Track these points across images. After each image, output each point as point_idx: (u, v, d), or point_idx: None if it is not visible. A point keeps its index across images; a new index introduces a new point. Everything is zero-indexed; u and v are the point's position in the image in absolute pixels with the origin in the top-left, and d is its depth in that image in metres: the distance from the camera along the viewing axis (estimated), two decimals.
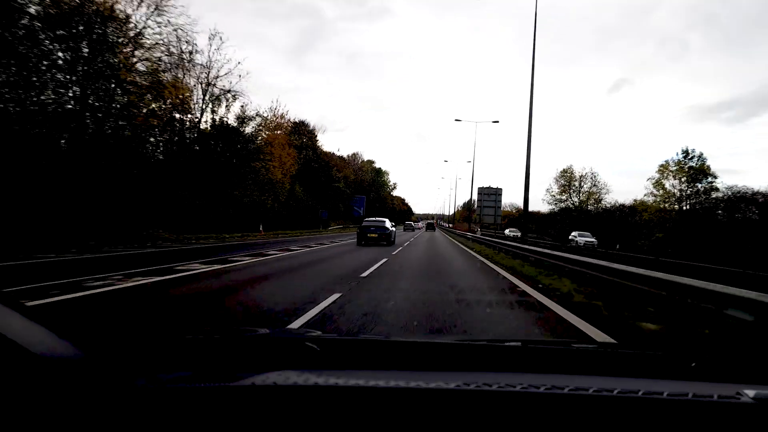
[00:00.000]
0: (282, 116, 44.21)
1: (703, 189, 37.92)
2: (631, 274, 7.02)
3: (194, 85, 30.34)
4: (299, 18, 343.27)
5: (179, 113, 28.76)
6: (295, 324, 4.93)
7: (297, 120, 56.85)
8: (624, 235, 36.78)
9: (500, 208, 34.49)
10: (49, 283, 6.88)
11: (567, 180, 58.75)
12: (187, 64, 28.11)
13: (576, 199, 57.70)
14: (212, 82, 30.91)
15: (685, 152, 39.72)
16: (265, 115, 40.16)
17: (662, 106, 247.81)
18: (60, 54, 18.69)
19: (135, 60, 22.20)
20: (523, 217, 24.30)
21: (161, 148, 28.36)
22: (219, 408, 0.91)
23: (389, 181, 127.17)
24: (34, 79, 17.66)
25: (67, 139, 19.62)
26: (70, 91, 19.34)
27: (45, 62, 18.06)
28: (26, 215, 15.69)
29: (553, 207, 58.94)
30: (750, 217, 26.46)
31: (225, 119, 32.41)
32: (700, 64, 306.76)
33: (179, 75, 27.84)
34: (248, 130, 34.17)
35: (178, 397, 0.94)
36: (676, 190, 39.98)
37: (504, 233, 50.14)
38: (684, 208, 38.79)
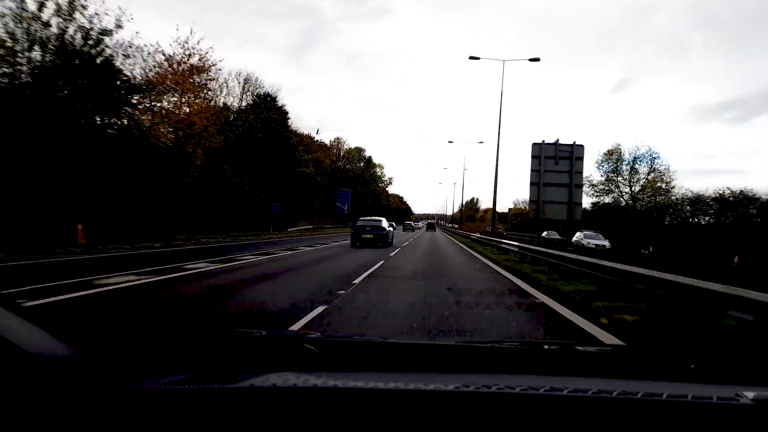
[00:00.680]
0: (200, 57, 26.63)
1: None
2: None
3: None
4: (299, 18, 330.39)
5: None
6: None
7: (261, 93, 42.84)
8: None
9: (580, 189, 17.75)
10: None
11: (614, 165, 43.62)
12: None
13: (627, 190, 42.68)
14: None
15: None
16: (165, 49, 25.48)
17: (664, 105, 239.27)
18: None
19: None
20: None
21: None
22: (217, 410, 0.90)
23: (384, 176, 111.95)
24: None
25: None
26: None
27: None
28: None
29: (598, 201, 44.07)
30: None
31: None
32: (702, 63, 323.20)
33: None
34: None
35: (174, 398, 0.94)
36: None
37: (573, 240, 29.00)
38: None
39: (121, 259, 11.81)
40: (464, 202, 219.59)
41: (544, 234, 34.55)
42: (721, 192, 27.23)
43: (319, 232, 43.51)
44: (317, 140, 67.73)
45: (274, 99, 43.14)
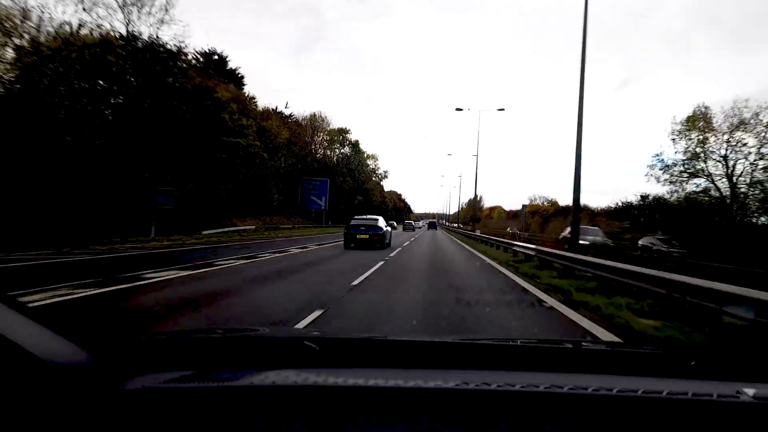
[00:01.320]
0: None
1: None
2: None
3: None
4: (300, 16, 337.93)
5: None
6: None
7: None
8: None
9: None
10: None
11: (701, 135, 29.03)
12: None
13: (722, 171, 28.10)
14: None
15: None
16: None
17: (666, 105, 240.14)
18: None
19: None
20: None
21: None
22: (218, 408, 0.91)
23: (378, 168, 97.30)
24: None
25: None
26: None
27: None
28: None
29: (676, 190, 29.60)
30: None
31: None
32: (703, 63, 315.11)
33: None
34: None
35: (176, 396, 0.95)
36: None
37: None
38: None
39: None
40: (468, 200, 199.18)
41: (647, 239, 24.04)
42: None
43: (268, 236, 28.94)
44: (292, 118, 52.89)
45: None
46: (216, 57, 38.19)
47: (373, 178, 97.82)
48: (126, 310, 5.91)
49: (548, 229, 54.76)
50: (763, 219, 25.00)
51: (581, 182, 12.43)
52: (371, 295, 7.29)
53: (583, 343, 1.65)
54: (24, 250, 12.30)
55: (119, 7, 23.03)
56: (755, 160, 26.20)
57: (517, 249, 16.65)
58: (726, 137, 27.68)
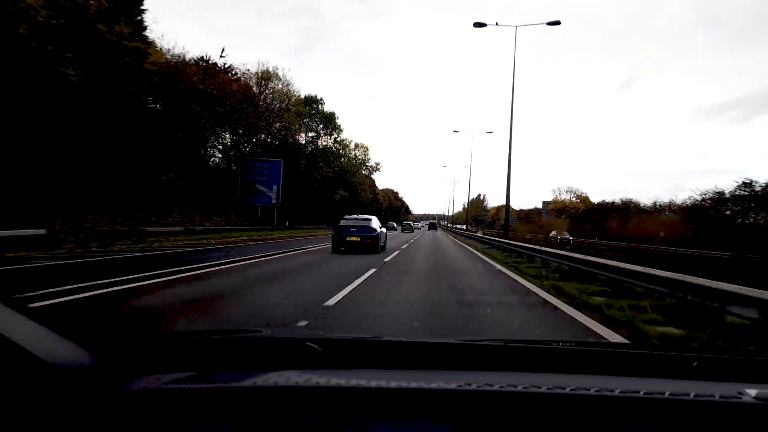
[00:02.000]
0: None
1: None
2: None
3: None
4: (300, 16, 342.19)
5: None
6: None
7: None
8: None
9: None
10: None
11: None
12: None
13: None
14: None
15: None
16: None
17: (667, 106, 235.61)
18: None
19: None
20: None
21: None
22: (220, 409, 0.91)
23: (368, 159, 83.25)
24: None
25: None
26: None
27: None
28: None
29: None
30: None
31: None
32: (704, 63, 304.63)
33: None
34: None
35: (178, 397, 0.95)
36: None
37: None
38: None
39: None
40: (473, 199, 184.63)
41: None
42: None
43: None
44: (232, 73, 37.05)
45: None
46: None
47: (363, 171, 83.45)
48: None
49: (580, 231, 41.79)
50: None
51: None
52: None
53: (586, 344, 1.71)
54: None
55: None
56: None
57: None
58: None
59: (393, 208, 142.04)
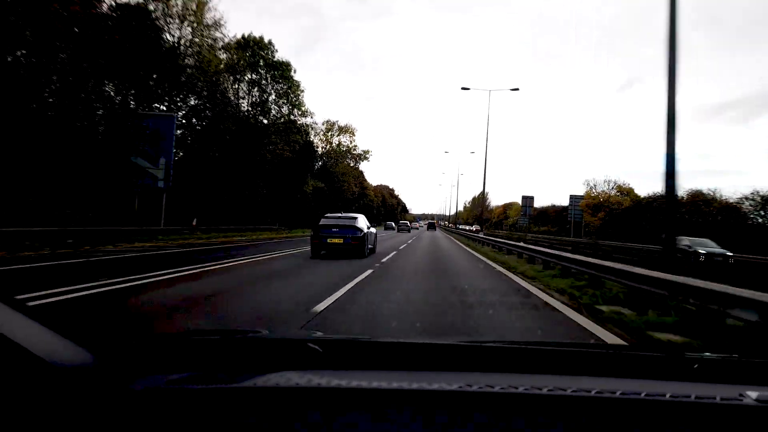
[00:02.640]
0: None
1: None
2: None
3: None
4: (300, 16, 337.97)
5: None
6: None
7: None
8: None
9: None
10: None
11: None
12: None
13: None
14: None
15: None
16: None
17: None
18: None
19: None
20: None
21: None
22: (221, 409, 0.90)
23: (353, 145, 68.42)
24: None
25: None
26: None
27: None
28: None
29: None
30: None
31: None
32: (705, 63, 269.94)
33: None
34: None
35: (179, 398, 0.95)
36: None
37: None
38: None
39: None
40: (473, 197, 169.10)
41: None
42: None
43: None
44: None
45: None
46: None
47: (348, 160, 68.51)
48: None
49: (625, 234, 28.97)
50: None
51: None
52: None
53: (587, 346, 1.68)
54: None
55: None
56: None
57: None
58: None
59: (388, 207, 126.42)
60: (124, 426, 0.87)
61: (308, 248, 14.93)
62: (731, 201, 33.24)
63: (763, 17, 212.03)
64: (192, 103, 30.79)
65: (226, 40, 33.98)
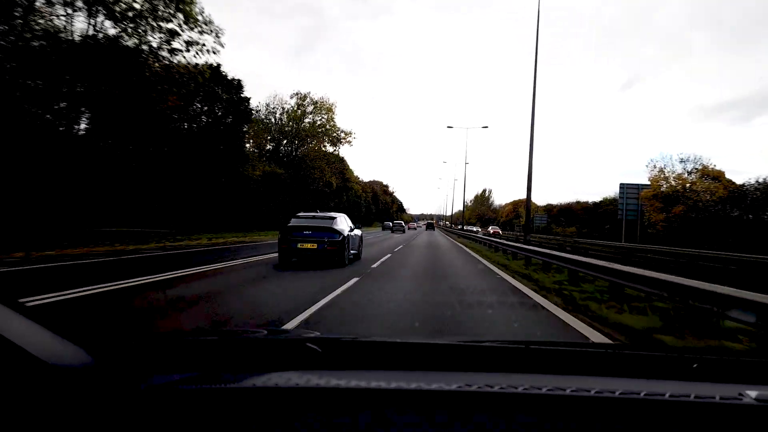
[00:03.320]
0: None
1: None
2: None
3: None
4: (300, 16, 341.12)
5: None
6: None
7: None
8: None
9: None
10: None
11: None
12: None
13: None
14: None
15: None
16: None
17: (667, 106, 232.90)
18: None
19: None
20: None
21: None
22: (222, 409, 0.90)
23: (332, 124, 54.28)
24: None
25: None
26: None
27: None
28: None
29: None
30: None
31: None
32: (705, 63, 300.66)
33: None
34: None
35: (180, 398, 0.95)
36: None
37: None
38: None
39: None
40: (474, 195, 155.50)
41: None
42: None
43: None
44: None
45: None
46: None
47: (326, 145, 54.60)
48: None
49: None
50: None
51: None
52: None
53: (586, 345, 1.65)
54: None
55: None
56: None
57: None
58: None
59: (381, 205, 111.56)
60: (125, 427, 0.87)
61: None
62: None
63: (763, 17, 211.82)
64: None
65: None
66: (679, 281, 5.60)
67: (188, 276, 9.03)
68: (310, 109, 52.22)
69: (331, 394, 0.96)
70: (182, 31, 20.91)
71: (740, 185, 32.40)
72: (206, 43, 21.56)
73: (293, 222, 12.17)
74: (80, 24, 19.51)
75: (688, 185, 34.65)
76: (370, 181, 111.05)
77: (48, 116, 19.80)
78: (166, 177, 26.34)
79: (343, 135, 54.13)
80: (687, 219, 33.26)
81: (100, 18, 19.56)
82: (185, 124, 30.16)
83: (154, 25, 20.42)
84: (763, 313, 4.37)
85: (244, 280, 9.07)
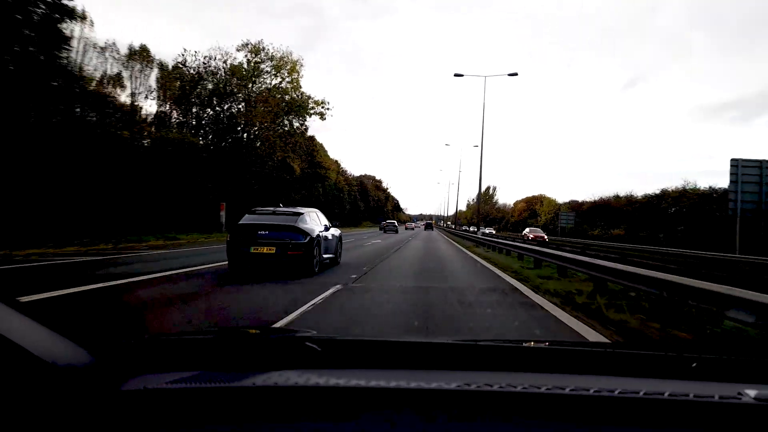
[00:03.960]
0: None
1: None
2: None
3: None
4: (300, 16, 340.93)
5: None
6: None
7: None
8: None
9: None
10: None
11: None
12: None
13: None
14: None
15: None
16: None
17: (667, 106, 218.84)
18: None
19: None
20: None
21: None
22: (221, 408, 0.90)
23: (298, 85, 40.32)
24: None
25: None
26: None
27: None
28: None
29: None
30: None
31: None
32: (706, 63, 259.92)
33: None
34: None
35: (180, 397, 0.94)
36: None
37: None
38: None
39: None
40: (477, 193, 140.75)
41: None
42: None
43: None
44: None
45: None
46: None
47: (290, 119, 41.06)
48: None
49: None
50: None
51: None
52: None
53: (585, 344, 1.61)
54: None
55: None
56: None
57: None
58: None
59: (373, 202, 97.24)
60: (122, 425, 0.86)
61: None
62: None
63: (763, 17, 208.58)
64: None
65: None
66: None
67: None
68: (267, 67, 38.37)
69: (330, 393, 0.96)
70: None
71: None
72: None
73: (246, 219, 9.69)
74: None
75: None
76: (361, 176, 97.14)
77: None
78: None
79: (312, 105, 40.21)
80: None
81: None
82: None
83: None
84: None
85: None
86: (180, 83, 33.13)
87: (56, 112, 19.27)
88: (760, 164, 22.63)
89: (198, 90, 34.21)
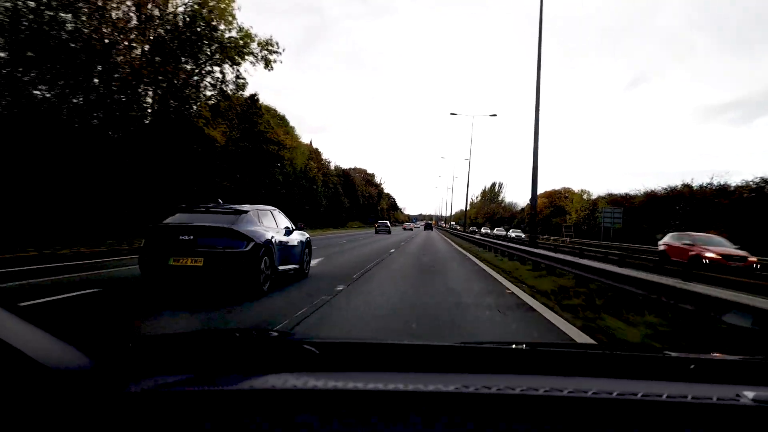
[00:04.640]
0: None
1: None
2: None
3: None
4: (300, 15, 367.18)
5: None
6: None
7: None
8: None
9: None
10: None
11: None
12: None
13: None
14: None
15: None
16: None
17: (668, 107, 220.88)
18: None
19: None
20: None
21: None
22: (220, 411, 0.90)
23: (230, 11, 26.42)
24: None
25: None
26: None
27: None
28: None
29: None
30: None
31: None
32: (707, 63, 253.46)
33: None
34: None
35: (180, 400, 0.94)
36: None
37: None
38: None
39: None
40: (482, 190, 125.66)
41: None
42: None
43: None
44: None
45: None
46: None
47: (215, 59, 26.74)
48: None
49: None
50: None
51: None
52: None
53: (583, 347, 1.61)
54: None
55: None
56: None
57: None
58: None
59: (363, 199, 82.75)
60: (122, 428, 0.86)
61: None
62: None
63: (763, 17, 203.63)
64: None
65: None
66: None
67: None
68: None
69: (328, 395, 0.96)
70: None
71: None
72: None
73: (170, 220, 7.37)
74: None
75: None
76: (350, 168, 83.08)
77: None
78: None
79: (247, 42, 26.73)
80: None
81: None
82: None
83: None
84: None
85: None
86: None
87: None
88: None
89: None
